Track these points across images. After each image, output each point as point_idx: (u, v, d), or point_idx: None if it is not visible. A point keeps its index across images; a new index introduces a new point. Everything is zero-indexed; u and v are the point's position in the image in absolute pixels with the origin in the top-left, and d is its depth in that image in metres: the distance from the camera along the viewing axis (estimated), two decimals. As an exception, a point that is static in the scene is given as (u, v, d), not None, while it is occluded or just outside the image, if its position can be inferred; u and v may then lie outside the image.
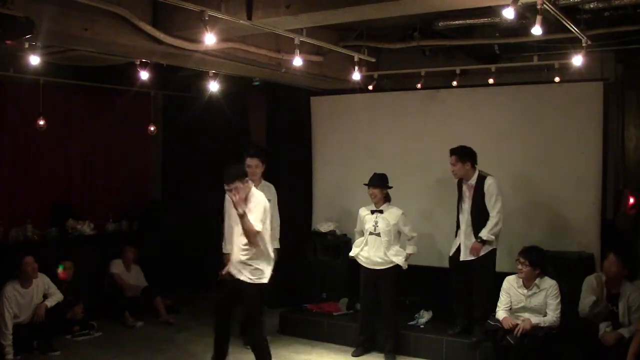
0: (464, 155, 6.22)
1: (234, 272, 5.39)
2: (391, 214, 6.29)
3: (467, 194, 6.29)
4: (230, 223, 5.55)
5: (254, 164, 6.31)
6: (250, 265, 5.30)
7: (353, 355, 6.44)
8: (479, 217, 6.17)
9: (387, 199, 6.34)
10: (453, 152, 6.27)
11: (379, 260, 6.26)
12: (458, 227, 6.40)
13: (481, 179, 6.20)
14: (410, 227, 6.35)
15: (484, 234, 6.10)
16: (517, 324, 5.44)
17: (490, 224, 6.09)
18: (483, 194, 6.15)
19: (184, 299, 8.66)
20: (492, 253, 6.22)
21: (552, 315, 5.48)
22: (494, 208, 6.10)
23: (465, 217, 6.30)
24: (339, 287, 7.45)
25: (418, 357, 6.34)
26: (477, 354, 6.04)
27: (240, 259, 5.32)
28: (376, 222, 6.28)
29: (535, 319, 5.46)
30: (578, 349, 5.54)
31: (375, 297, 6.35)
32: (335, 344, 6.79)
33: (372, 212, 6.35)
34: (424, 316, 6.78)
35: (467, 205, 6.28)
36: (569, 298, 5.67)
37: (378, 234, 6.26)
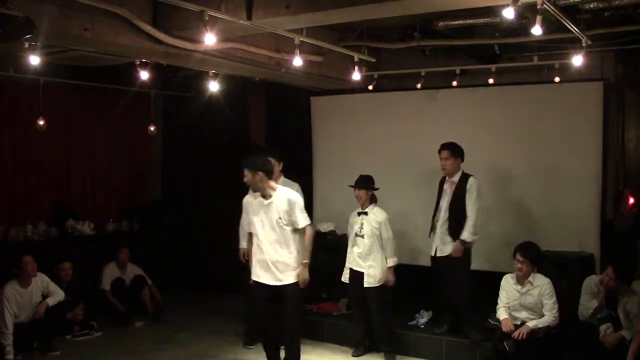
0: (457, 150, 6.25)
1: (267, 277, 5.25)
2: (375, 216, 6.24)
3: (448, 191, 6.29)
4: (258, 221, 5.28)
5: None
6: (288, 264, 5.23)
7: (353, 355, 6.43)
8: (457, 215, 6.17)
9: (372, 200, 6.31)
10: (445, 146, 6.28)
11: (362, 263, 6.25)
12: (432, 225, 6.39)
13: (465, 177, 6.21)
14: (390, 235, 6.19)
15: (466, 235, 6.08)
16: (515, 328, 5.40)
17: (469, 224, 6.07)
18: (464, 193, 6.15)
19: (184, 298, 8.66)
20: (467, 251, 6.20)
21: (549, 315, 5.45)
22: (472, 208, 6.09)
23: (441, 215, 6.29)
24: (339, 287, 7.43)
25: (418, 357, 6.33)
26: (477, 354, 6.04)
27: (276, 259, 5.21)
28: (362, 225, 6.26)
29: (532, 322, 5.42)
30: (578, 349, 5.52)
31: (364, 297, 6.32)
32: (335, 344, 6.79)
33: (359, 214, 6.33)
34: (424, 316, 6.77)
35: (445, 203, 6.28)
36: (569, 298, 5.66)
37: (362, 236, 6.23)
